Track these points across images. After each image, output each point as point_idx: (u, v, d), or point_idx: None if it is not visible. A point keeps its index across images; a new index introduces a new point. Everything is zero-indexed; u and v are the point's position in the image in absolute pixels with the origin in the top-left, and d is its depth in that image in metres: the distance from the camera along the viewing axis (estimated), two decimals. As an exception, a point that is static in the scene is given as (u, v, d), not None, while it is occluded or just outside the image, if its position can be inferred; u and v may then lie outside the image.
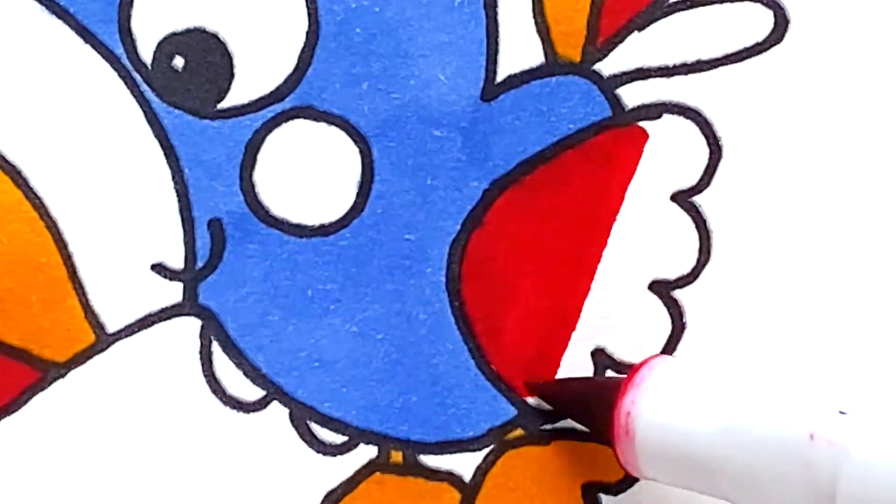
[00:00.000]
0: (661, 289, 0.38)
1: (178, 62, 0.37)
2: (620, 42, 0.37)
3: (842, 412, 0.29)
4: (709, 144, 0.37)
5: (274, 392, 0.37)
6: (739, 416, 0.31)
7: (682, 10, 0.37)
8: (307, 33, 0.37)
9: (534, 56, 0.37)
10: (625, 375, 0.34)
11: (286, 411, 0.37)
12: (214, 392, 0.37)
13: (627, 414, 0.33)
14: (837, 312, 0.38)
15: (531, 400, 0.37)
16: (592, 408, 0.35)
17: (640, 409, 0.33)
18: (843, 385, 0.38)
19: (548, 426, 0.38)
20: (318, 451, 0.37)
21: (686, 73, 0.37)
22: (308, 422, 0.37)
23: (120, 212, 0.37)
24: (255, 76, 0.37)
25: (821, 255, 0.38)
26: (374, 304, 0.37)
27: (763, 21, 0.37)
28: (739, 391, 0.32)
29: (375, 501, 0.38)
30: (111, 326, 0.37)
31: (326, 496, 0.37)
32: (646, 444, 0.33)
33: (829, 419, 0.29)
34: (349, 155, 0.37)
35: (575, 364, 0.38)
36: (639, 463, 0.33)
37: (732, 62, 0.37)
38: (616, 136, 0.37)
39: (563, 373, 0.38)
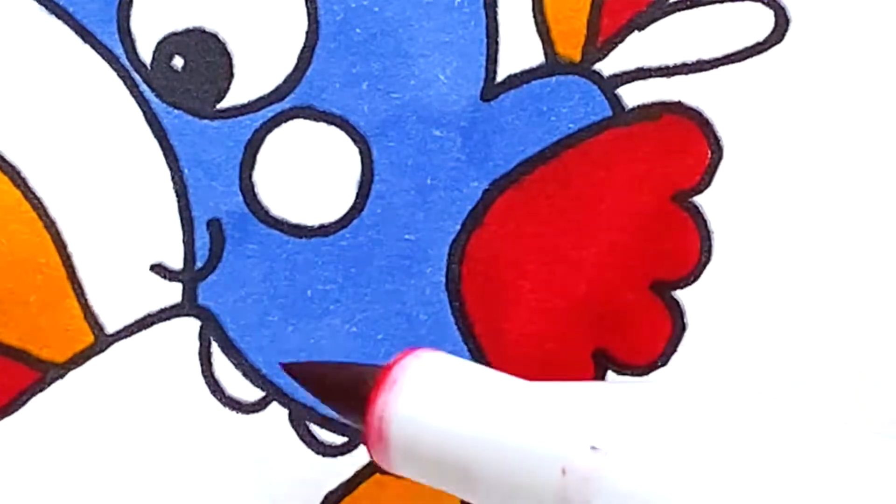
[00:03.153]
0: (662, 289, 0.38)
1: (178, 62, 0.37)
2: (621, 42, 0.37)
3: (594, 447, 0.29)
4: (709, 144, 0.37)
5: (273, 392, 0.37)
6: (495, 429, 0.29)
7: (683, 9, 0.37)
8: (307, 33, 0.37)
9: (534, 56, 0.37)
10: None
11: (286, 412, 0.37)
12: (214, 393, 0.37)
13: (381, 418, 0.31)
14: (839, 312, 0.38)
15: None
16: (346, 400, 0.32)
17: (393, 412, 0.30)
18: (843, 383, 0.38)
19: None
20: (317, 452, 0.37)
21: (686, 73, 0.37)
22: (307, 422, 0.37)
23: (119, 212, 0.37)
24: (254, 76, 0.37)
25: (822, 255, 0.38)
26: (374, 305, 0.37)
27: (764, 21, 0.37)
28: (497, 403, 0.30)
29: (375, 502, 0.37)
30: (110, 327, 0.37)
31: (326, 497, 0.37)
32: (399, 443, 0.30)
33: (582, 455, 0.28)
34: (349, 155, 0.37)
35: (575, 365, 0.38)
36: (391, 461, 0.31)
37: (733, 62, 0.37)
38: (616, 136, 0.37)
39: (564, 374, 0.38)
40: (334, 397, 0.33)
